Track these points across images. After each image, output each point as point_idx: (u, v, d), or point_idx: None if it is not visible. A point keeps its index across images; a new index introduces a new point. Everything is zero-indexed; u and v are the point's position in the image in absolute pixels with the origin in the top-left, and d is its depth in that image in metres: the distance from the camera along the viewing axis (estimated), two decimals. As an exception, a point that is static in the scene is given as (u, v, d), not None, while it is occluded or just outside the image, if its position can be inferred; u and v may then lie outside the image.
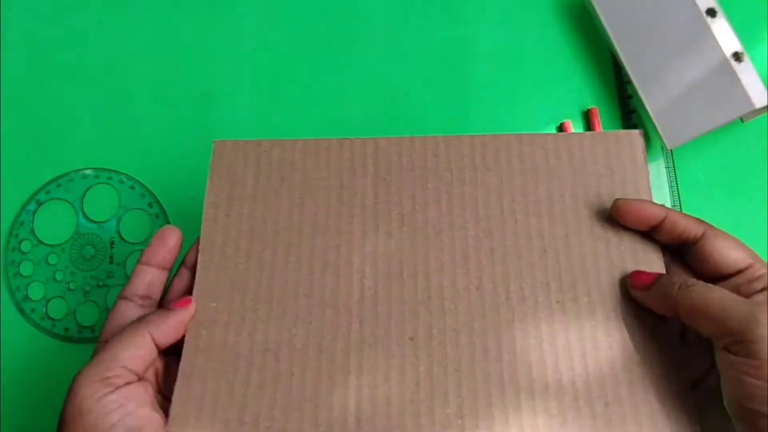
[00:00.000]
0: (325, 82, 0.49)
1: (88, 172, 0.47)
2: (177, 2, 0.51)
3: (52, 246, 0.46)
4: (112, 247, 0.46)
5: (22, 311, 0.45)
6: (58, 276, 0.46)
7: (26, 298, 0.45)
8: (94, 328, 0.45)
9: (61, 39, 0.50)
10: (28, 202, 0.47)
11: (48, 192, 0.47)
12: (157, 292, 0.33)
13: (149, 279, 0.33)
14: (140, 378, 0.30)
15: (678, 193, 0.46)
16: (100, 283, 0.45)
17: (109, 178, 0.47)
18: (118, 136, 0.48)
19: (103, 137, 0.48)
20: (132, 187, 0.47)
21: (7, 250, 0.46)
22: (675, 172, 0.46)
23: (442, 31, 0.50)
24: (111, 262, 0.46)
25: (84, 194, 0.47)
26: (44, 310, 0.45)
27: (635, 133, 0.33)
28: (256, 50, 0.50)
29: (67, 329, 0.45)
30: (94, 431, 0.28)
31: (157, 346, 0.30)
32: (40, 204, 0.47)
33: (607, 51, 0.49)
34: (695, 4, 0.44)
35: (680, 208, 0.45)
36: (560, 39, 0.49)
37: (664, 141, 0.43)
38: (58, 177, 0.47)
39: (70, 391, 0.29)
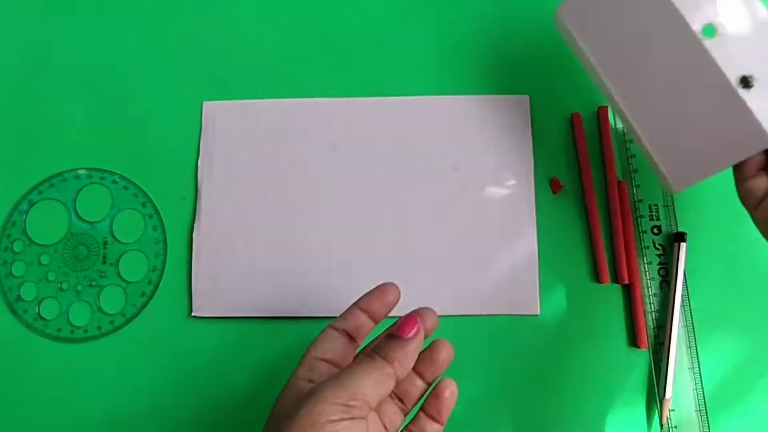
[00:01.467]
0: (323, 84, 0.49)
1: (81, 172, 0.47)
2: (174, 2, 0.51)
3: (44, 246, 0.46)
4: (105, 247, 0.46)
5: (14, 311, 0.45)
6: (51, 276, 0.45)
7: (18, 298, 0.45)
8: (87, 328, 0.45)
9: (54, 38, 0.50)
10: (20, 202, 0.47)
11: (40, 192, 0.47)
12: (362, 336, 0.34)
13: (360, 323, 0.34)
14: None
15: (672, 194, 0.46)
16: (93, 283, 0.45)
17: (102, 178, 0.47)
18: (112, 136, 0.48)
19: (97, 137, 0.48)
20: (125, 188, 0.47)
21: (-1, 250, 0.46)
22: (668, 172, 0.46)
23: (441, 31, 0.50)
24: (104, 262, 0.46)
25: (77, 194, 0.47)
26: (37, 310, 0.45)
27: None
28: (253, 52, 0.49)
29: (59, 329, 0.45)
30: None
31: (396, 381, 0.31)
32: (32, 204, 0.47)
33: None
34: (686, 24, 0.36)
35: (674, 208, 0.46)
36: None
37: (669, 184, 0.38)
38: (51, 177, 0.47)
39: (306, 402, 0.28)
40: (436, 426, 0.35)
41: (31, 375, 0.44)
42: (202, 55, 0.49)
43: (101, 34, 0.50)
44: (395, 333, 0.31)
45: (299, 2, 0.50)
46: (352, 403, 0.28)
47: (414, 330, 0.31)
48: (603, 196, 0.46)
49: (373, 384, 0.29)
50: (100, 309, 0.45)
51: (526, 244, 0.45)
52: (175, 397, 0.44)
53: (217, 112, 0.48)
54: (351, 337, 0.33)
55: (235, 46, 0.50)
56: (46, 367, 0.44)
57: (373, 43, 0.50)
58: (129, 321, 0.45)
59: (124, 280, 0.45)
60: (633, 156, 0.46)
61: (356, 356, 0.34)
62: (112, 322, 0.45)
